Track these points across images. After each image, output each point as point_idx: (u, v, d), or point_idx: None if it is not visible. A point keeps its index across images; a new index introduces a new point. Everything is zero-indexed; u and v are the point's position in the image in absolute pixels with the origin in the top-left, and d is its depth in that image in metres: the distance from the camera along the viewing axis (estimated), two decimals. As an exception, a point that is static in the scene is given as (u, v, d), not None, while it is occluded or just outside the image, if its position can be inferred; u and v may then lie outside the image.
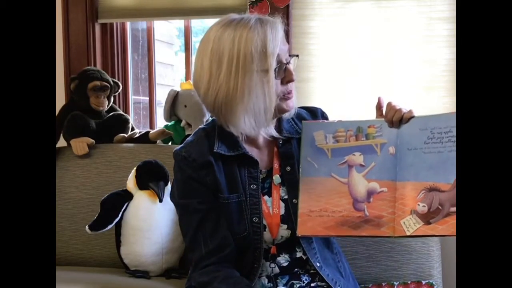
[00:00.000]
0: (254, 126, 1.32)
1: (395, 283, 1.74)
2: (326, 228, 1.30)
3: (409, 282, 1.74)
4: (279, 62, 1.31)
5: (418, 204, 1.24)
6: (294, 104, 1.38)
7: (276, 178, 1.40)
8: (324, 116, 1.51)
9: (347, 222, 1.29)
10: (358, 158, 1.32)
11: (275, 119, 1.41)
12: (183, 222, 1.40)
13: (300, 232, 1.32)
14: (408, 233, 1.24)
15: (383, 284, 1.75)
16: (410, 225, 1.24)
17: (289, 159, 1.41)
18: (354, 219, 1.29)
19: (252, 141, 1.40)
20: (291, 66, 1.35)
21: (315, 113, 1.50)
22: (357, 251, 1.79)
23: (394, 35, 2.24)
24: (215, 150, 1.36)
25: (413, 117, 1.31)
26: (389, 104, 1.34)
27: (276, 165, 1.41)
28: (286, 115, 1.40)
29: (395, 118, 1.31)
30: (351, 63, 2.27)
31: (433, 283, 1.73)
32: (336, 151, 1.34)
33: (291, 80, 1.34)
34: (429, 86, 2.23)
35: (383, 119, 1.34)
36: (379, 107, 1.37)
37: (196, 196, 1.36)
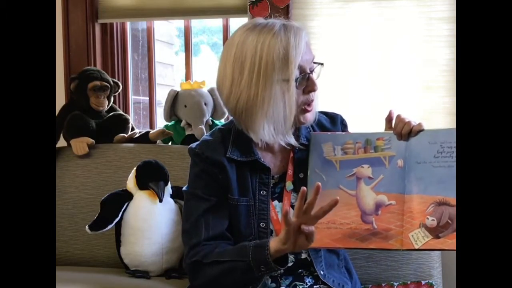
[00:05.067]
0: (273, 133, 1.32)
1: (394, 283, 1.74)
2: (334, 240, 1.29)
3: (408, 282, 1.74)
4: (302, 71, 1.31)
5: (427, 218, 1.25)
6: (312, 117, 1.37)
7: (289, 184, 1.40)
8: (343, 123, 1.50)
9: (355, 234, 1.29)
10: (366, 170, 1.32)
11: (293, 128, 1.40)
12: (188, 206, 1.40)
13: None
14: (416, 247, 1.24)
15: (383, 284, 1.75)
16: (419, 238, 1.24)
17: (303, 166, 1.40)
18: (362, 231, 1.28)
19: (267, 146, 1.40)
20: (314, 76, 1.34)
21: (335, 120, 1.49)
22: (357, 251, 1.78)
23: (394, 35, 2.24)
24: (228, 155, 1.37)
25: (422, 130, 1.31)
26: (398, 117, 1.34)
27: (290, 171, 1.41)
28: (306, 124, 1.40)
29: (404, 131, 1.31)
30: (351, 63, 2.27)
31: (433, 283, 1.73)
32: (344, 163, 1.33)
33: (313, 90, 1.34)
34: (429, 86, 2.23)
35: (392, 131, 1.33)
36: (389, 119, 1.36)
37: (207, 188, 1.37)
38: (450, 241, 1.22)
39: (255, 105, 1.29)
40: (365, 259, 1.80)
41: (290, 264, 1.40)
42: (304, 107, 1.34)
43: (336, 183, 1.32)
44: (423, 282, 1.73)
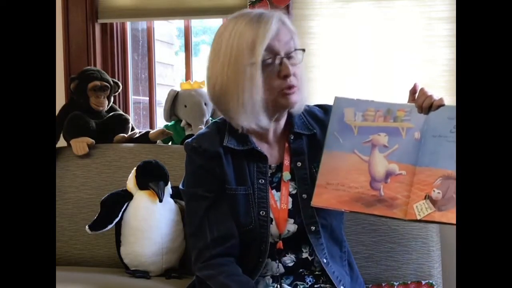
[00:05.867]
0: (247, 119, 1.33)
1: (395, 283, 1.74)
2: (340, 202, 1.31)
3: (409, 282, 1.74)
4: (274, 55, 1.31)
5: (434, 190, 1.26)
6: (296, 99, 1.35)
7: (286, 175, 1.41)
8: None
9: (361, 199, 1.31)
10: (382, 138, 1.33)
11: (281, 114, 1.39)
12: (190, 208, 1.41)
13: (314, 203, 1.33)
14: (419, 217, 1.25)
15: (383, 284, 1.75)
16: (422, 209, 1.26)
17: (300, 155, 1.41)
18: (368, 197, 1.30)
19: (262, 136, 1.41)
20: (295, 61, 1.34)
21: (328, 111, 1.48)
22: (357, 251, 1.79)
23: (394, 35, 2.24)
24: (225, 144, 1.38)
25: (443, 105, 1.31)
26: (421, 90, 1.35)
27: (286, 162, 1.42)
28: (294, 110, 1.40)
29: (425, 104, 1.31)
30: (351, 63, 2.27)
31: (433, 283, 1.73)
32: (362, 129, 1.35)
33: (287, 75, 1.32)
34: (429, 86, 2.21)
35: (414, 104, 1.34)
36: (413, 91, 1.37)
37: (205, 184, 1.38)
38: (451, 215, 1.23)
39: (227, 90, 1.32)
40: (365, 259, 1.80)
41: (291, 264, 1.40)
42: (284, 91, 1.33)
43: (352, 147, 1.34)
44: (423, 282, 1.73)
